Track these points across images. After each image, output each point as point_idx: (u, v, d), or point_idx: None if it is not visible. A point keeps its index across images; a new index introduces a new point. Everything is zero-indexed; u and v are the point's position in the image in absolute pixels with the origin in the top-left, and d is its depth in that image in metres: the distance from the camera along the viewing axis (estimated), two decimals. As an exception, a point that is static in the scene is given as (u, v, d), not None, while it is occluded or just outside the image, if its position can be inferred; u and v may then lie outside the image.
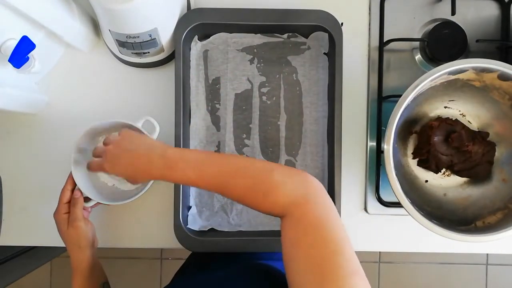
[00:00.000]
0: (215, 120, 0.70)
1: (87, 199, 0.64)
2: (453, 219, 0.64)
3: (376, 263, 1.61)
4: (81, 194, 0.63)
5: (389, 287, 1.61)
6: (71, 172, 0.63)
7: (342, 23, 0.68)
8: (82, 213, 0.62)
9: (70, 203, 0.63)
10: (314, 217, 0.41)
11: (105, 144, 0.55)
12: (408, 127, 0.70)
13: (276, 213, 0.44)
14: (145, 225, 0.71)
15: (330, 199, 0.44)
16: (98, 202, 0.65)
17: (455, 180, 0.69)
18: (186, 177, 0.48)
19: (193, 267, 0.76)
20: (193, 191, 0.69)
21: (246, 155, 0.69)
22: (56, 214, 0.62)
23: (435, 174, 0.69)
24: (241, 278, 0.56)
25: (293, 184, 0.44)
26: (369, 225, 0.71)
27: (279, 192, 0.43)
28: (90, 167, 0.57)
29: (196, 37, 0.69)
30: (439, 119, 0.68)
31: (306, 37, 0.69)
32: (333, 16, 0.66)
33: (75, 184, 0.63)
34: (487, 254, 1.58)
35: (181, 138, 0.65)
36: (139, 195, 0.64)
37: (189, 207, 0.68)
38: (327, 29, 0.66)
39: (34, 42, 0.56)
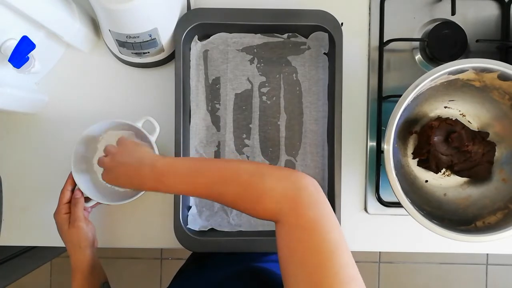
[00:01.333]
0: (215, 120, 0.70)
1: (87, 199, 0.64)
2: (453, 219, 0.64)
3: (376, 263, 1.61)
4: (81, 194, 0.63)
5: (389, 287, 1.61)
6: (70, 173, 0.63)
7: (342, 23, 0.68)
8: (83, 213, 0.62)
9: (70, 204, 0.63)
10: (307, 221, 0.40)
11: (105, 154, 0.57)
12: (408, 127, 0.70)
13: (269, 219, 0.43)
14: (145, 225, 0.71)
15: (324, 197, 0.43)
16: (98, 202, 0.65)
17: (455, 180, 0.69)
18: (177, 189, 0.48)
19: (191, 268, 0.76)
20: (193, 191, 0.69)
21: (246, 155, 0.69)
22: (56, 215, 0.62)
23: (435, 174, 0.69)
24: (234, 283, 0.56)
25: (284, 188, 0.42)
26: (369, 225, 0.71)
27: (268, 199, 0.42)
28: (103, 178, 0.57)
29: (196, 37, 0.69)
30: (439, 119, 0.68)
31: (306, 37, 0.69)
32: (333, 16, 0.66)
33: (75, 184, 0.63)
34: (487, 254, 1.58)
35: (181, 138, 0.65)
36: (139, 195, 0.64)
37: (189, 207, 0.68)
38: (327, 29, 0.66)
39: (34, 42, 0.56)
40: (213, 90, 0.70)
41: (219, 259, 0.72)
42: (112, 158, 0.54)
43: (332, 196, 0.65)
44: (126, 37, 0.61)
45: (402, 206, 0.58)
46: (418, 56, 0.72)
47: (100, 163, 0.56)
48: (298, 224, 0.40)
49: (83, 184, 0.64)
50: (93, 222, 0.69)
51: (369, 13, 0.72)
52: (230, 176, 0.45)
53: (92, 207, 0.66)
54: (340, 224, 0.65)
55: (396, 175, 0.58)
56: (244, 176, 0.44)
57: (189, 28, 0.65)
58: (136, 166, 0.51)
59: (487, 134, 0.67)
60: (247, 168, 0.45)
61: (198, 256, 0.79)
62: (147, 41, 0.62)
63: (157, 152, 0.65)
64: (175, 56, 0.66)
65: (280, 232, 0.42)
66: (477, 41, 0.69)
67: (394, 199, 0.61)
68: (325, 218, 0.41)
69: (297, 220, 0.40)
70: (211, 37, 0.69)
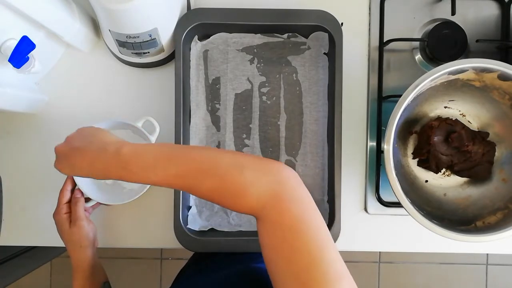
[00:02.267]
0: (215, 120, 0.70)
1: (87, 199, 0.64)
2: (453, 219, 0.64)
3: (376, 263, 1.61)
4: (81, 194, 0.63)
5: (389, 287, 1.61)
6: None
7: (342, 23, 0.68)
8: (84, 212, 0.62)
9: (69, 203, 0.63)
10: (290, 219, 0.38)
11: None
12: (408, 127, 0.70)
13: (249, 214, 0.40)
14: (145, 225, 0.71)
15: (307, 190, 0.41)
16: (98, 203, 0.65)
17: (455, 180, 0.69)
18: (144, 178, 0.42)
19: (192, 269, 0.76)
20: (193, 191, 0.69)
21: (246, 155, 0.69)
22: (56, 215, 0.62)
23: (435, 174, 0.69)
24: (235, 283, 0.56)
25: (265, 182, 0.39)
26: (369, 225, 0.71)
27: (249, 194, 0.39)
28: (55, 166, 0.49)
29: (196, 37, 0.69)
30: (439, 119, 0.68)
31: (306, 37, 0.69)
32: (333, 16, 0.66)
33: (74, 185, 0.63)
34: (487, 254, 1.58)
35: (181, 138, 0.65)
36: (139, 195, 0.64)
37: (189, 207, 0.68)
38: (327, 29, 0.66)
39: (34, 42, 0.55)
40: (213, 90, 0.70)
41: (219, 259, 0.72)
42: (67, 143, 0.47)
43: (332, 196, 0.65)
44: (126, 37, 0.61)
45: (402, 206, 0.58)
46: (418, 56, 0.72)
47: (55, 150, 0.49)
48: (282, 222, 0.38)
49: (83, 184, 0.64)
50: (94, 222, 0.69)
51: (369, 13, 0.72)
52: (206, 168, 0.41)
53: (92, 207, 0.66)
54: (340, 224, 0.65)
55: (396, 175, 0.58)
56: (221, 168, 0.40)
57: (189, 28, 0.65)
58: (96, 152, 0.44)
59: (487, 134, 0.67)
60: (224, 158, 0.41)
61: (199, 256, 0.79)
62: (147, 41, 0.62)
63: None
64: (175, 56, 0.66)
65: (262, 230, 0.39)
66: (477, 41, 0.69)
67: (394, 199, 0.61)
68: (310, 214, 0.39)
69: (280, 217, 0.38)
70: (211, 37, 0.69)
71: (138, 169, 0.42)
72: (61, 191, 0.63)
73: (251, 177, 0.40)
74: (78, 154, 0.45)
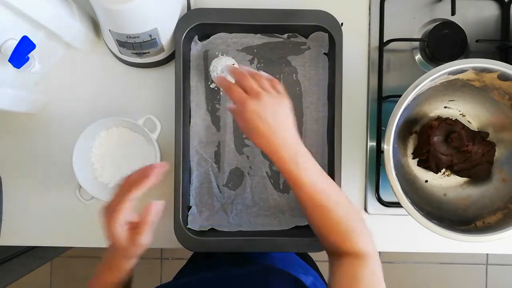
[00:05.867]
0: (215, 120, 0.70)
1: None
2: (453, 219, 0.64)
3: (376, 263, 1.61)
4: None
5: (389, 287, 1.61)
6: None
7: (342, 23, 0.68)
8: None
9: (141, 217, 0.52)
10: (374, 272, 0.50)
11: (258, 87, 0.52)
12: (408, 127, 0.70)
13: (349, 249, 0.50)
14: (145, 225, 0.71)
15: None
16: None
17: (455, 180, 0.69)
18: (304, 175, 0.50)
19: (191, 269, 0.76)
20: (193, 191, 0.69)
21: (246, 155, 0.69)
22: (114, 213, 0.50)
23: (435, 174, 0.69)
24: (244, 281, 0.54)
25: (371, 238, 0.53)
26: (369, 225, 0.71)
27: (364, 237, 0.51)
28: (229, 90, 0.52)
29: (196, 37, 0.69)
30: (439, 119, 0.68)
31: (306, 37, 0.69)
32: (333, 16, 0.66)
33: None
34: (487, 254, 1.58)
35: (181, 138, 0.65)
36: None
37: (189, 207, 0.68)
38: (327, 29, 0.66)
39: (34, 42, 0.55)
40: (213, 90, 0.70)
41: (220, 258, 0.72)
42: (266, 104, 0.50)
43: (332, 196, 0.65)
44: (126, 37, 0.61)
45: (402, 206, 0.58)
46: (418, 56, 0.72)
47: (251, 88, 0.51)
48: (370, 267, 0.50)
49: (84, 180, 0.64)
50: (93, 222, 0.69)
51: (369, 13, 0.72)
52: (344, 206, 0.52)
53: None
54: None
55: (396, 175, 0.58)
56: (350, 208, 0.52)
57: (189, 28, 0.65)
58: (277, 128, 0.50)
59: (487, 134, 0.67)
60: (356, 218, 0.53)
61: (197, 256, 0.79)
62: (147, 41, 0.62)
63: (158, 151, 0.65)
64: (175, 56, 0.66)
65: (354, 262, 0.50)
66: (477, 41, 0.69)
67: (394, 199, 0.61)
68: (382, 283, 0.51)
69: (370, 263, 0.51)
70: (211, 37, 0.69)
71: (305, 165, 0.50)
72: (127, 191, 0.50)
73: (365, 229, 0.53)
74: (261, 124, 0.50)
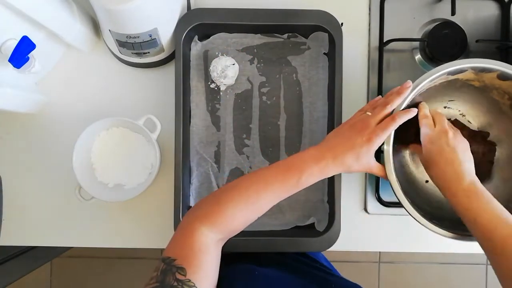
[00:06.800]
0: (215, 120, 0.70)
1: None
2: (453, 219, 0.64)
3: (376, 263, 1.61)
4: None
5: (389, 287, 1.61)
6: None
7: (342, 23, 0.68)
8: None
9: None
10: None
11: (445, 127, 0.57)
12: (408, 127, 0.69)
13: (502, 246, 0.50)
14: (145, 225, 0.71)
15: None
16: None
17: (455, 180, 0.69)
18: (476, 215, 0.53)
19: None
20: (193, 191, 0.69)
21: (247, 155, 0.69)
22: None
23: (435, 174, 0.69)
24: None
25: None
26: (369, 225, 0.71)
27: None
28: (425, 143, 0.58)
29: (196, 37, 0.69)
30: (439, 119, 0.68)
31: (306, 37, 0.69)
32: (333, 16, 0.66)
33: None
34: (487, 254, 1.57)
35: (181, 138, 0.65)
36: (137, 194, 0.65)
37: (189, 207, 0.68)
38: (327, 29, 0.66)
39: (34, 42, 0.56)
40: (213, 90, 0.70)
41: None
42: (455, 141, 0.56)
43: (332, 196, 0.65)
44: (126, 37, 0.61)
45: (402, 206, 0.58)
46: (418, 56, 0.72)
47: (443, 126, 0.57)
48: None
49: (84, 180, 0.64)
50: (93, 221, 0.70)
51: (369, 13, 0.72)
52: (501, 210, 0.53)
53: None
54: (340, 224, 0.65)
55: (396, 175, 0.58)
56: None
57: (189, 28, 0.65)
58: (459, 169, 0.55)
59: (487, 134, 0.67)
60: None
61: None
62: (147, 41, 0.62)
63: (158, 151, 0.65)
64: (175, 56, 0.66)
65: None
66: (477, 41, 0.69)
67: (394, 199, 0.61)
68: None
69: None
70: (211, 37, 0.69)
71: (476, 205, 0.54)
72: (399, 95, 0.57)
73: None
74: (450, 158, 0.56)
